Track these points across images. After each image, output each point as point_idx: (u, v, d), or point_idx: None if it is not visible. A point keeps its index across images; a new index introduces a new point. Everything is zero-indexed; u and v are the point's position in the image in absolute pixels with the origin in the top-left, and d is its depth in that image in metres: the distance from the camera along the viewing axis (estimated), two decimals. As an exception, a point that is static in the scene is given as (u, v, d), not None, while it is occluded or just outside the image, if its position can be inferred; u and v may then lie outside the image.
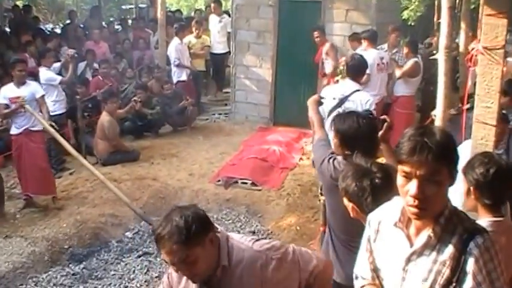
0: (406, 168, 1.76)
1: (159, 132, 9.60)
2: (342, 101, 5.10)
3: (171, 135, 9.59)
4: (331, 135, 3.26)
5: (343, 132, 3.09)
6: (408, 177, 1.77)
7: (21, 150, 6.51)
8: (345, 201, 2.57)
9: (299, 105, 9.55)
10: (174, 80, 10.27)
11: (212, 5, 11.82)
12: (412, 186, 1.76)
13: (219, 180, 7.23)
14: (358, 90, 5.26)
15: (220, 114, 10.88)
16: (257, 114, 10.19)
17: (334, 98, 5.12)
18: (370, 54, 7.40)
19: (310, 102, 3.84)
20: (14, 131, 6.53)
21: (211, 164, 7.94)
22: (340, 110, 4.95)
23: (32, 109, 6.34)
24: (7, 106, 6.42)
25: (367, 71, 7.05)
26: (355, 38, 8.23)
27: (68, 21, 13.20)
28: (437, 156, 1.71)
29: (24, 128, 6.46)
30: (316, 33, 8.62)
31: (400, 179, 1.81)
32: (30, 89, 6.49)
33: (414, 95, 8.09)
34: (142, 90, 9.38)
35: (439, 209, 1.82)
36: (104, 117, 8.07)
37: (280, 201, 6.71)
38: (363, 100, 5.15)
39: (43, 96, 6.70)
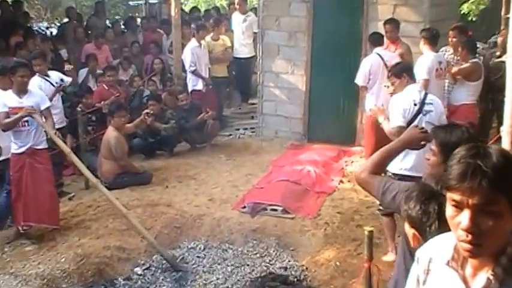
0: (456, 196, 1.73)
1: (174, 150, 9.71)
2: (421, 106, 5.42)
3: (188, 154, 9.70)
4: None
5: (451, 146, 2.93)
6: (459, 206, 1.74)
7: (24, 172, 6.46)
8: (406, 227, 2.54)
9: (338, 118, 9.62)
10: (189, 88, 10.42)
11: (238, 1, 11.95)
12: (464, 217, 1.73)
13: (244, 207, 7.24)
14: (426, 93, 5.61)
15: (245, 129, 10.98)
16: (288, 129, 10.23)
17: (415, 104, 5.41)
18: (428, 57, 7.47)
19: (410, 138, 3.35)
20: (14, 149, 6.48)
21: (235, 187, 7.98)
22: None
23: (41, 120, 6.39)
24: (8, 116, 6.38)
25: (426, 77, 7.15)
26: (371, 38, 8.28)
27: (66, 20, 13.47)
28: (494, 183, 1.67)
29: (27, 146, 6.45)
30: (388, 27, 8.38)
31: (449, 209, 1.78)
32: (34, 98, 6.52)
33: (476, 103, 8.06)
34: (155, 102, 9.52)
35: (499, 246, 1.77)
36: (111, 133, 8.17)
37: (317, 232, 6.68)
38: (438, 101, 5.56)
39: (49, 108, 6.76)
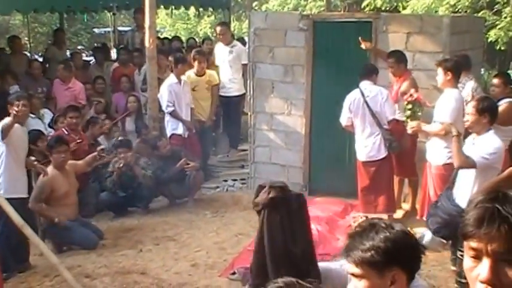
0: (474, 244, 1.83)
1: (149, 206, 9.86)
2: None
3: (167, 210, 9.85)
4: None
5: None
6: (477, 256, 1.84)
7: None
8: None
9: (344, 166, 9.73)
10: (168, 133, 10.56)
11: (218, 28, 12.14)
12: (483, 268, 1.80)
13: (234, 273, 7.28)
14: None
15: (234, 180, 11.13)
16: (286, 179, 10.21)
17: None
18: (453, 95, 7.65)
19: None
20: None
21: (223, 250, 8.08)
22: None
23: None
24: None
25: (449, 120, 7.40)
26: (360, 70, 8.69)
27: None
28: None
29: None
30: (391, 61, 8.77)
31: (467, 261, 1.88)
32: None
33: (508, 148, 8.26)
34: (126, 148, 9.67)
35: None
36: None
37: None
38: None
39: None
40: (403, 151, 8.61)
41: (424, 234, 7.03)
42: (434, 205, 6.62)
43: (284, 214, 4.49)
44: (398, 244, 2.48)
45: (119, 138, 10.36)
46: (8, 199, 6.85)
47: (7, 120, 7.28)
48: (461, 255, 5.13)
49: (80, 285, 6.48)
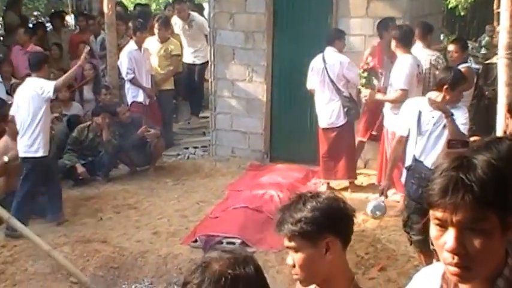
0: (439, 214, 1.83)
1: (110, 174, 9.80)
2: None
3: (127, 178, 9.82)
4: None
5: None
6: (443, 225, 1.85)
7: None
8: None
9: (305, 133, 9.75)
10: (128, 100, 10.49)
11: (176, 6, 11.98)
12: (449, 237, 1.81)
13: (195, 241, 7.36)
14: None
15: (196, 147, 11.12)
16: (247, 146, 10.40)
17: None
18: (407, 61, 7.72)
19: None
20: None
21: (185, 218, 8.11)
22: None
23: None
24: None
25: (406, 87, 7.45)
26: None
27: None
28: (479, 197, 1.75)
29: None
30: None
31: (433, 229, 1.89)
32: None
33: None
34: (109, 113, 9.63)
35: (492, 268, 1.85)
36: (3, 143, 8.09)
37: (283, 268, 6.76)
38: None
39: None
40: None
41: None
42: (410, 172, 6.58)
43: None
44: (326, 212, 2.53)
45: (99, 105, 10.32)
46: (42, 157, 7.65)
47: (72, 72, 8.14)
48: None
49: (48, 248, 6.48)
